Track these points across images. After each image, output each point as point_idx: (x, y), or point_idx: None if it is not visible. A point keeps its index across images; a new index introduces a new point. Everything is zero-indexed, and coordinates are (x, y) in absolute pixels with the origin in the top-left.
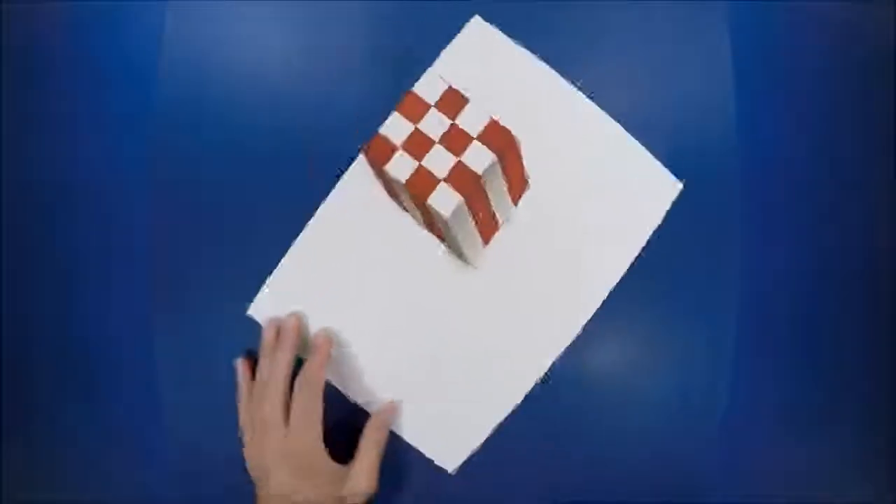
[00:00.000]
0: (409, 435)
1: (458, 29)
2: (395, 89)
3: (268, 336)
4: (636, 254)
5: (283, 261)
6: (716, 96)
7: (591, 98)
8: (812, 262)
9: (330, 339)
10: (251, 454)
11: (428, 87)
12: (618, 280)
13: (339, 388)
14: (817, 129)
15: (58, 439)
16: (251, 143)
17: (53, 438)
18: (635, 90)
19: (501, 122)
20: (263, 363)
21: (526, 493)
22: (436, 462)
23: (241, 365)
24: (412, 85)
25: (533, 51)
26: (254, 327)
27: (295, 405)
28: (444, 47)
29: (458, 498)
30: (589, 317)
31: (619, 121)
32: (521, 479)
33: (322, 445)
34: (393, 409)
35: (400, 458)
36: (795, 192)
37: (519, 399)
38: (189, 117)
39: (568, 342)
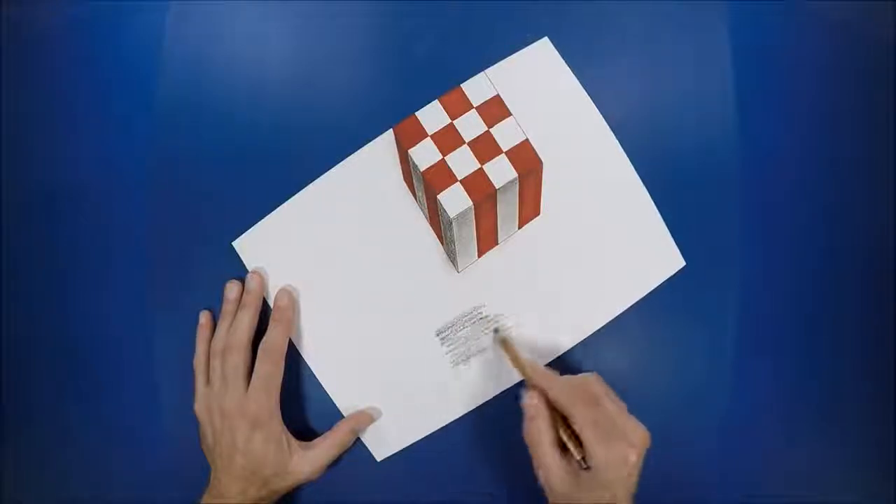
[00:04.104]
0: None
1: (454, 28)
2: (396, 90)
3: (230, 294)
4: (615, 315)
5: (280, 208)
6: (716, 96)
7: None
8: (812, 262)
9: (292, 303)
10: (208, 403)
11: (476, 88)
12: (590, 334)
13: (299, 350)
14: (817, 129)
15: (58, 439)
16: (251, 143)
17: (53, 438)
18: (635, 90)
19: (534, 146)
20: (225, 319)
21: (527, 491)
22: (368, 447)
23: (203, 316)
24: (411, 86)
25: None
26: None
27: (257, 370)
28: (441, 47)
29: (459, 495)
30: (549, 360)
31: (618, 121)
32: (523, 478)
33: (279, 413)
34: (368, 419)
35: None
36: (795, 192)
37: (456, 415)
38: (189, 117)
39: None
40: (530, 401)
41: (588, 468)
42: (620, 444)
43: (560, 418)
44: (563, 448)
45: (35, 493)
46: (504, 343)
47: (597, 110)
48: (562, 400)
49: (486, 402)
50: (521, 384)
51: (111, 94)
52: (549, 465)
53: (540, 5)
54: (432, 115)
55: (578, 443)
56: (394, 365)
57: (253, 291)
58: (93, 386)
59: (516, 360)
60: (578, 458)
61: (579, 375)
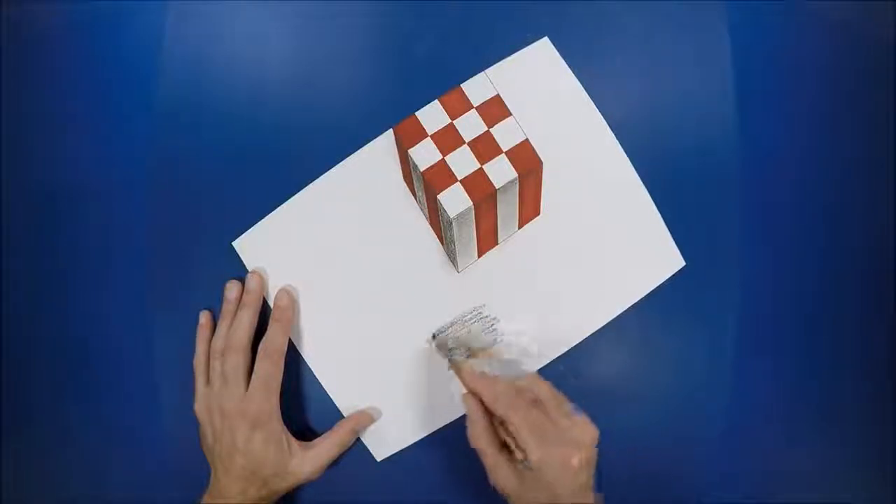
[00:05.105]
0: (344, 406)
1: (454, 28)
2: (396, 90)
3: (230, 294)
4: (616, 315)
5: (280, 208)
6: (716, 96)
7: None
8: (812, 262)
9: (292, 303)
10: (208, 403)
11: (477, 88)
12: (590, 334)
13: (299, 350)
14: (817, 129)
15: (58, 439)
16: (251, 143)
17: (53, 438)
18: (635, 90)
19: (534, 146)
20: (225, 319)
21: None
22: (368, 447)
23: (203, 316)
24: (411, 86)
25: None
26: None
27: (257, 370)
28: (441, 47)
29: (459, 495)
30: (549, 360)
31: (618, 121)
32: None
33: (279, 413)
34: (368, 419)
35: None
36: (795, 192)
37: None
38: (189, 117)
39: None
40: (468, 403)
41: (530, 469)
42: (559, 447)
43: (500, 421)
44: (507, 448)
45: (35, 493)
46: (441, 348)
47: (597, 110)
48: (496, 404)
49: None
50: None
51: (111, 94)
52: (493, 466)
53: (540, 5)
54: (432, 115)
55: (519, 445)
56: (394, 365)
57: (253, 291)
58: (93, 386)
59: (453, 365)
60: (520, 458)
61: (518, 378)
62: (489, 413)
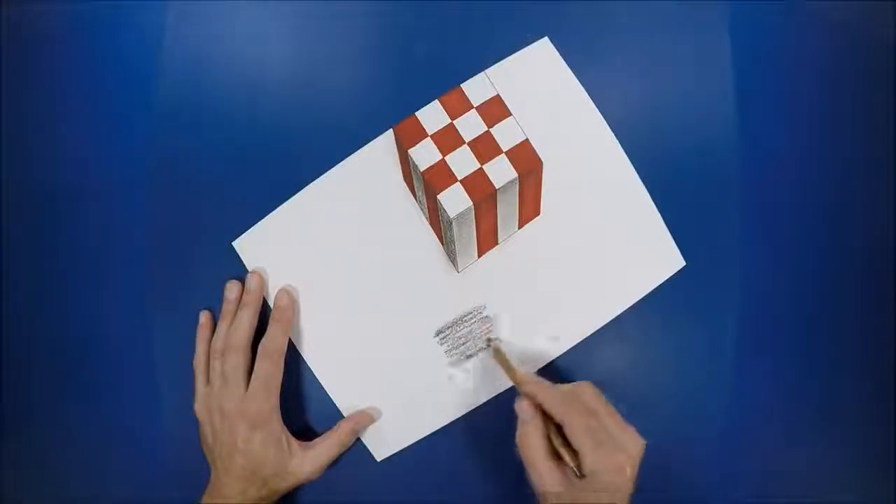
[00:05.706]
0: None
1: (454, 28)
2: (396, 90)
3: (230, 294)
4: (615, 315)
5: (280, 208)
6: (716, 96)
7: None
8: (812, 262)
9: (292, 303)
10: (208, 403)
11: (476, 88)
12: (590, 334)
13: (299, 350)
14: (817, 129)
15: (58, 439)
16: (251, 143)
17: (53, 438)
18: (635, 90)
19: (534, 146)
20: (225, 319)
21: (526, 490)
22: (368, 447)
23: (203, 316)
24: (411, 86)
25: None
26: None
27: (256, 370)
28: (441, 47)
29: (459, 494)
30: (549, 360)
31: (618, 121)
32: (522, 479)
33: (279, 414)
34: (368, 419)
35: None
36: (795, 192)
37: (457, 415)
38: (189, 117)
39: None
40: (522, 407)
41: (581, 477)
42: (615, 453)
43: (553, 427)
44: (556, 456)
45: (35, 493)
46: (497, 353)
47: (597, 110)
48: (555, 408)
49: (486, 402)
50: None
51: (111, 94)
52: (542, 471)
53: (540, 5)
54: (432, 115)
55: (572, 452)
56: (394, 365)
57: (253, 291)
58: (93, 386)
59: (509, 370)
60: (572, 465)
61: (572, 384)
62: (543, 417)
